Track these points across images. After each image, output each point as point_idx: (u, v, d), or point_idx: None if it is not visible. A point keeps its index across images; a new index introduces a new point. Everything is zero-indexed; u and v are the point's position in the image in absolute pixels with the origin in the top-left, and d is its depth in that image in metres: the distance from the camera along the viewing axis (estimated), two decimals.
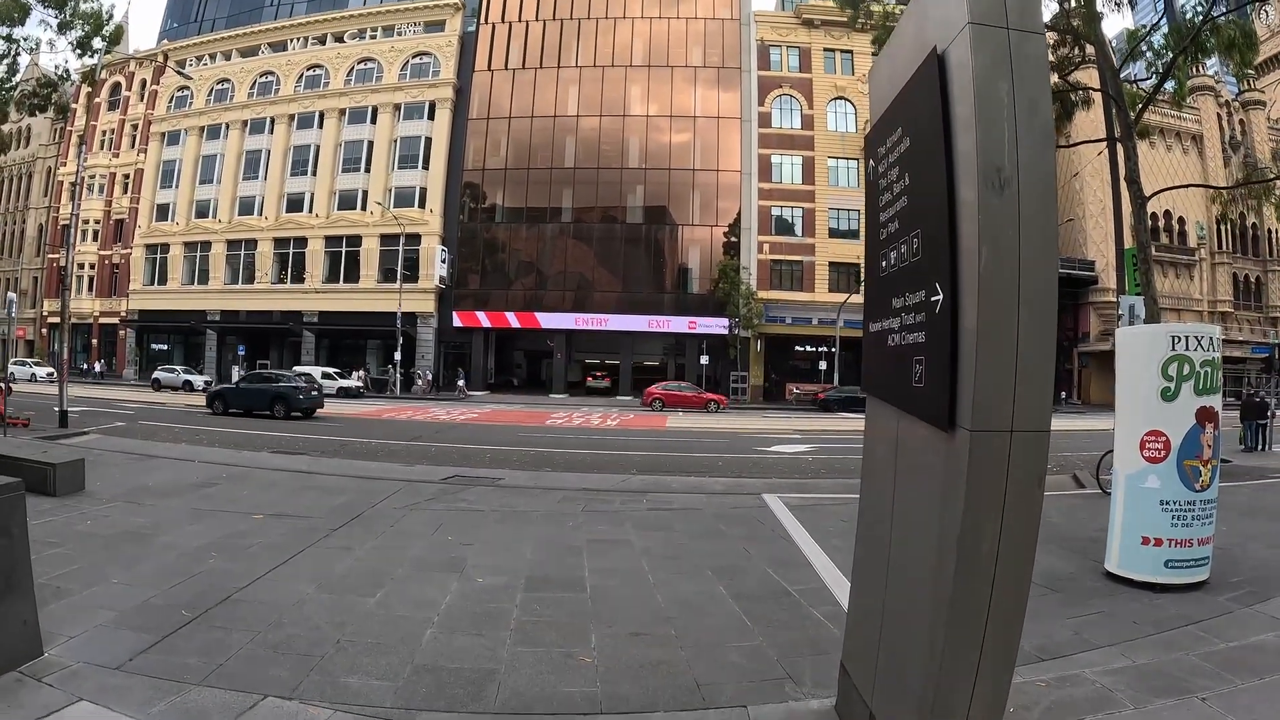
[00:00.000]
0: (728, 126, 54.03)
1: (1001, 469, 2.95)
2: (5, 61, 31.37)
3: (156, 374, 51.59)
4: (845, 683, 4.46)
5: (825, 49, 54.40)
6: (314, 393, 32.05)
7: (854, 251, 49.87)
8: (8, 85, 31.81)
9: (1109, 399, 9.29)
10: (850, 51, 53.29)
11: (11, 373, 45.85)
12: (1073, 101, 21.41)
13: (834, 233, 52.39)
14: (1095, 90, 20.32)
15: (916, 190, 3.52)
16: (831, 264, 51.98)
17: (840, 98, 53.77)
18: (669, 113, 54.73)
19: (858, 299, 45.22)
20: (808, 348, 52.81)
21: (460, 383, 50.63)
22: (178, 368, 53.10)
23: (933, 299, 3.20)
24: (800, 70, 54.41)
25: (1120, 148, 18.96)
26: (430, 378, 53.25)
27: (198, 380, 48.65)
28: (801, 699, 4.88)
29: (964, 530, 2.99)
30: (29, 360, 61.65)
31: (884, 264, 3.95)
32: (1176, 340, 7.47)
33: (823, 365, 49.46)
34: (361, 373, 53.07)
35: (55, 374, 39.76)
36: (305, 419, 29.52)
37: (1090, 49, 20.11)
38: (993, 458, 2.94)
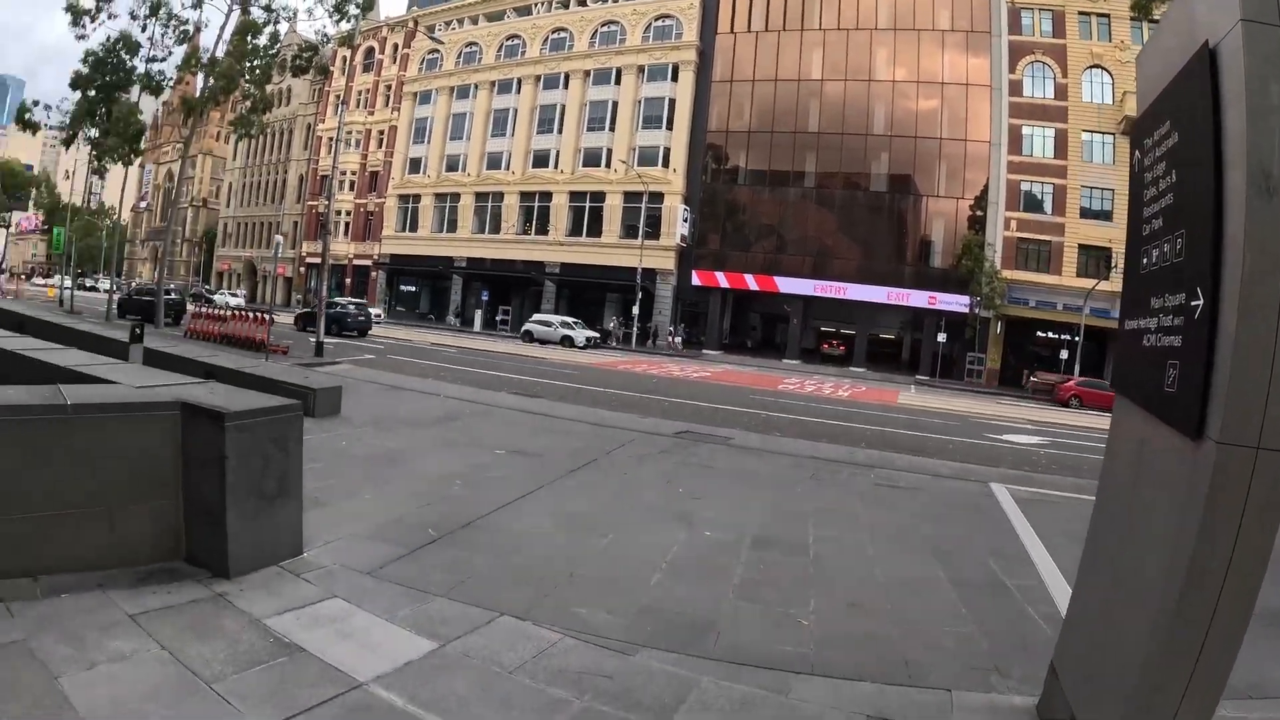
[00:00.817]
0: (976, 94, 51.17)
1: (1243, 486, 2.86)
2: (267, 30, 34.42)
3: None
4: (1052, 684, 4.40)
5: (1080, 12, 49.58)
6: (361, 317, 41.42)
7: (1106, 235, 46.15)
8: (270, 50, 34.88)
9: None
10: (1107, 16, 48.56)
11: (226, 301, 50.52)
12: None
13: (1085, 213, 48.25)
14: None
15: (1182, 189, 3.40)
16: (1081, 246, 47.91)
17: (1096, 66, 49.00)
18: (915, 78, 52.63)
19: (1106, 286, 42.71)
20: (1049, 334, 49.35)
21: (677, 336, 52.06)
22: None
23: (1193, 303, 3.11)
24: (1053, 35, 49.97)
25: None
26: (677, 338, 54.00)
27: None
28: (1005, 693, 4.83)
29: (1197, 544, 2.93)
30: (238, 291, 68.70)
31: (1145, 261, 3.82)
32: None
33: (1064, 354, 46.19)
34: (617, 320, 55.25)
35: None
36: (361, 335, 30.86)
37: None
38: (1236, 473, 2.86)
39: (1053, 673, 4.42)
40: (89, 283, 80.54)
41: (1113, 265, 44.15)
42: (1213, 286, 2.97)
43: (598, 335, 50.86)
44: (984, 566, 7.55)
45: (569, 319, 51.37)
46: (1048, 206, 49.38)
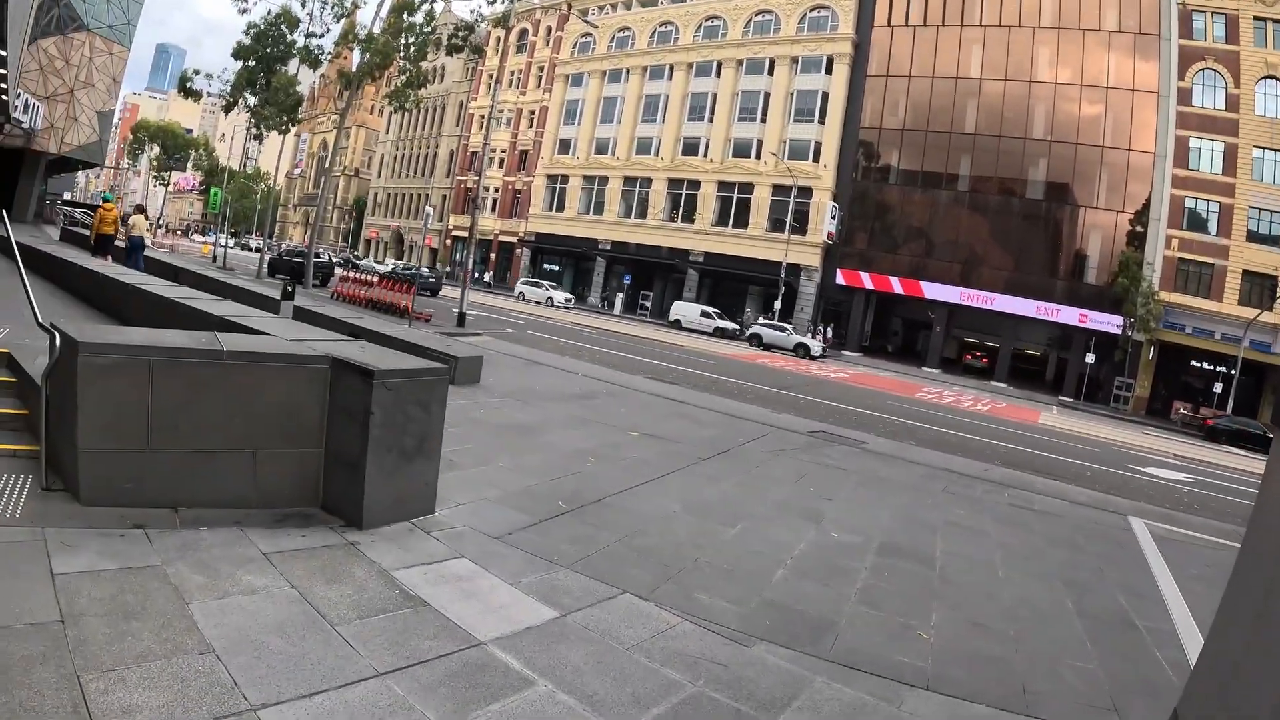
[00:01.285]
0: (1142, 101, 48.08)
1: None
2: (423, 9, 35.77)
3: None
4: None
5: (1256, 17, 45.73)
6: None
7: (1274, 261, 43.44)
8: (425, 29, 36.24)
9: None
10: None
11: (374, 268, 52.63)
12: None
13: (1252, 235, 44.92)
14: None
15: None
16: (1245, 272, 44.75)
17: (1271, 77, 45.22)
18: (1078, 81, 50.04)
19: (1270, 317, 40.36)
20: (1204, 364, 46.63)
21: (828, 334, 52.10)
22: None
23: None
24: (1226, 41, 46.27)
25: None
26: (826, 336, 53.12)
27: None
28: None
29: None
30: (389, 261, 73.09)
31: None
32: None
33: (1218, 387, 43.43)
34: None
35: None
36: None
37: None
38: None
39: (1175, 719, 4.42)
40: (245, 242, 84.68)
41: (1279, 295, 41.75)
42: None
43: (735, 326, 51.35)
44: (1114, 602, 7.43)
45: (707, 308, 52.58)
46: (1212, 226, 46.26)
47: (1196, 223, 46.60)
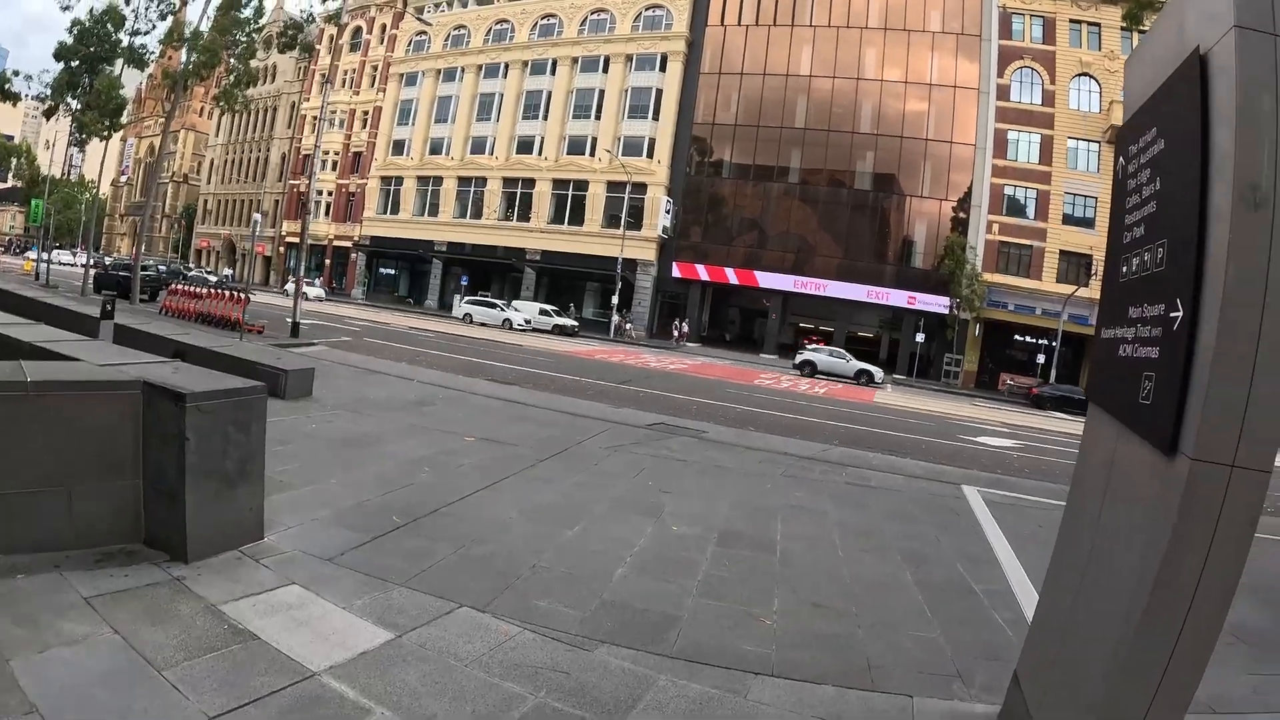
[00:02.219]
0: (964, 97, 51.40)
1: (1216, 504, 2.80)
2: (252, 4, 34.22)
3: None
4: (1014, 694, 4.37)
5: (1071, 20, 50.07)
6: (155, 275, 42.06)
7: (1087, 241, 46.72)
8: (254, 27, 34.72)
9: None
10: (1098, 25, 49.19)
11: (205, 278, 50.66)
12: None
13: (1068, 219, 48.95)
14: None
15: (1167, 197, 3.34)
16: (1062, 252, 48.58)
17: (1085, 74, 49.55)
18: (904, 78, 52.77)
19: (1086, 293, 43.20)
20: (1027, 338, 49.86)
21: (684, 328, 52.50)
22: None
23: (1171, 315, 3.05)
24: (1043, 42, 50.45)
25: None
26: (627, 327, 53.91)
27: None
28: (967, 700, 4.81)
29: (1166, 559, 2.88)
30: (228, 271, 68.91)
31: (1124, 269, 3.77)
32: None
33: (1040, 359, 46.68)
34: (623, 315, 54.90)
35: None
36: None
37: None
38: (1209, 491, 2.80)
39: (1015, 682, 4.39)
40: (66, 257, 79.53)
41: (1093, 272, 44.55)
42: (1194, 298, 2.91)
43: (574, 323, 51.18)
44: (952, 569, 7.54)
45: (546, 306, 52.26)
46: (1030, 211, 49.87)
47: (1015, 208, 50.08)
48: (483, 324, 47.76)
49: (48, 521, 5.15)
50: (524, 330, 47.03)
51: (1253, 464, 2.78)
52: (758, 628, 5.53)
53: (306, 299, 50.98)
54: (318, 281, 61.82)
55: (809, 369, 41.33)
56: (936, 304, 49.71)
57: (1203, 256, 2.91)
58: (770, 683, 4.71)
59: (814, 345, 46.35)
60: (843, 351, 44.17)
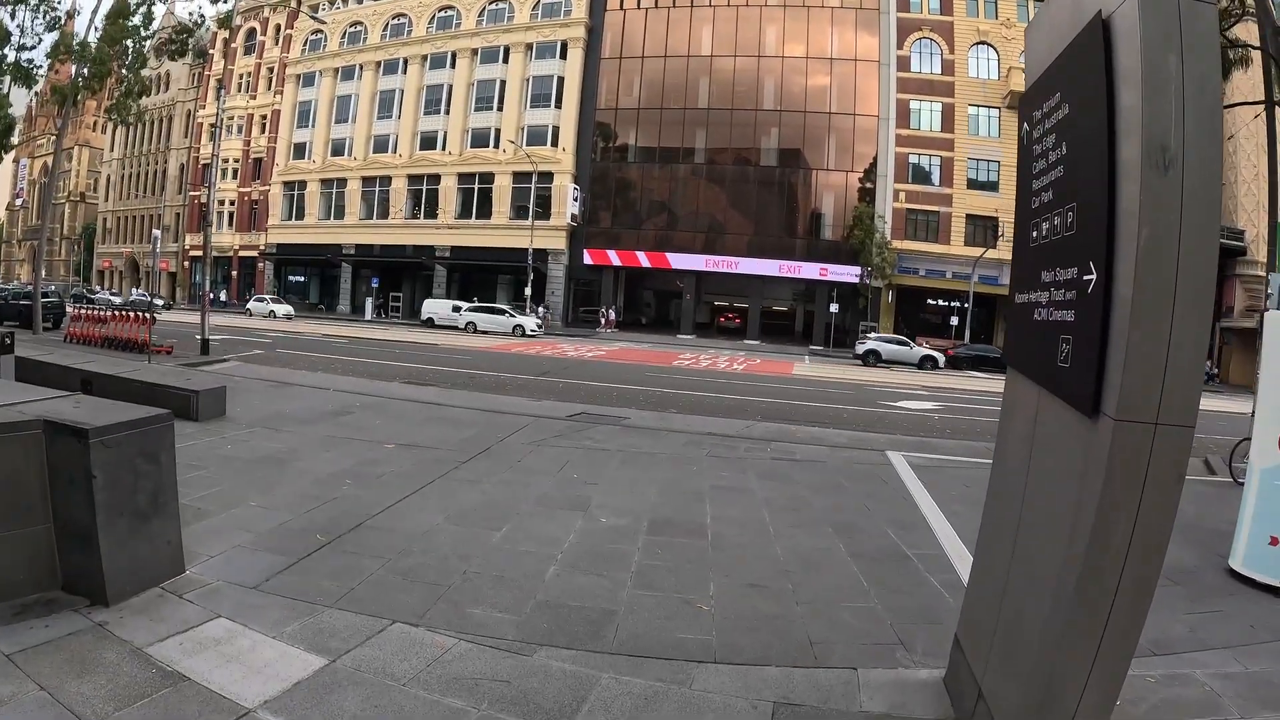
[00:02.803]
0: (865, 69, 52.33)
1: (1142, 462, 2.83)
2: (141, 10, 32.80)
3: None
4: (957, 656, 4.42)
5: None
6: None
7: (992, 204, 48.34)
8: (144, 33, 33.26)
9: (1249, 380, 8.63)
10: None
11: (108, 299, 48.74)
12: (1230, 60, 19.94)
13: (972, 184, 50.33)
14: (1255, 48, 18.95)
15: (1074, 161, 3.35)
16: (969, 216, 49.95)
17: (983, 43, 51.04)
18: (804, 54, 53.35)
19: (994, 254, 44.61)
20: (940, 301, 51.33)
21: (610, 315, 52.94)
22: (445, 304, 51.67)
23: (1085, 278, 3.07)
24: (941, 12, 51.65)
25: (1279, 111, 17.73)
26: (542, 314, 53.49)
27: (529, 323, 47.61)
28: (911, 667, 4.85)
29: (1097, 520, 2.89)
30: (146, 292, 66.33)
31: (1034, 234, 3.80)
32: None
33: (954, 321, 48.01)
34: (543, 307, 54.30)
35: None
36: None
37: (1250, 2, 18.77)
38: (1135, 450, 2.82)
39: (957, 645, 4.44)
40: None
41: (1000, 234, 46.41)
42: (1106, 260, 2.92)
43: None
44: (884, 537, 7.63)
45: (458, 302, 51.54)
46: (936, 178, 51.20)
47: (921, 176, 51.36)
48: (485, 332, 46.07)
49: None
50: (459, 331, 46.11)
51: (1176, 420, 2.81)
52: (696, 615, 5.49)
53: (275, 316, 50.43)
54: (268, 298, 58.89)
55: (874, 359, 40.24)
56: (848, 274, 50.53)
57: (1114, 219, 2.92)
58: (714, 670, 4.67)
59: (875, 335, 44.71)
60: (904, 338, 43.59)
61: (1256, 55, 18.86)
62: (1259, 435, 7.37)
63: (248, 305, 56.74)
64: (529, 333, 44.98)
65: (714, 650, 4.93)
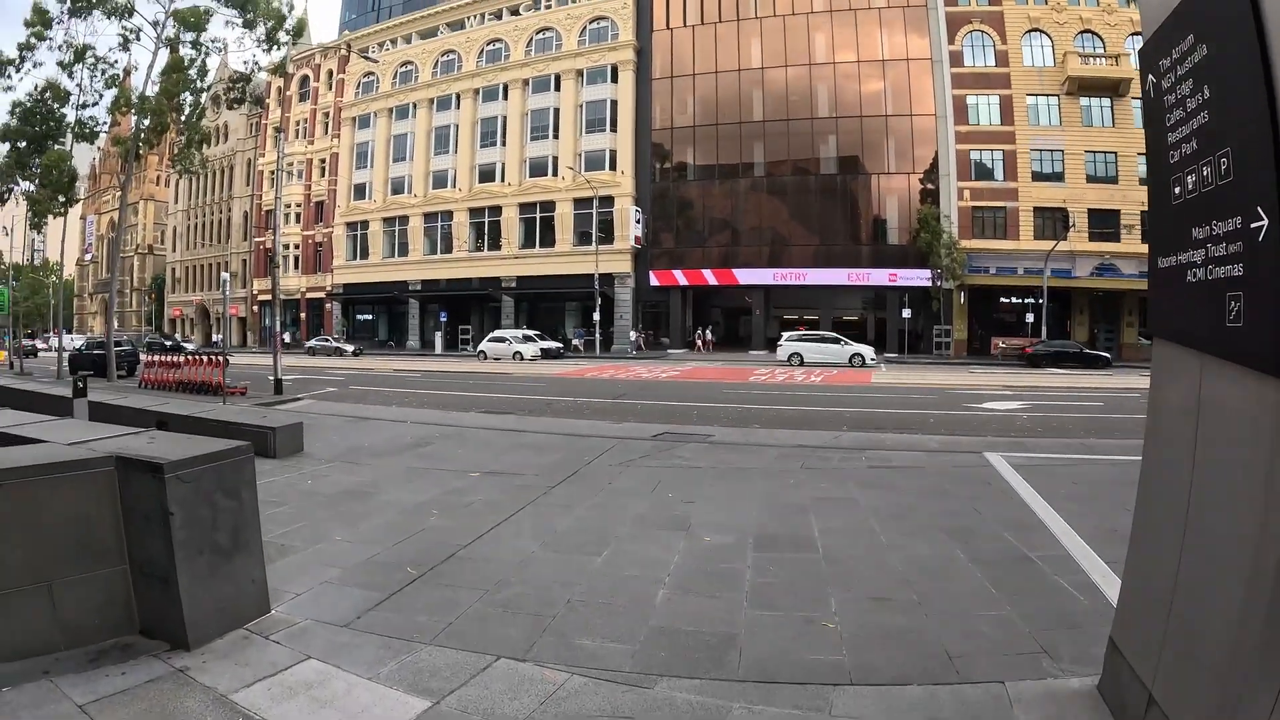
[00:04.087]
0: (918, 68, 51.57)
1: None
2: (196, 65, 33.58)
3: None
4: (1115, 661, 4.03)
5: None
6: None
7: (1060, 195, 47.22)
8: (199, 85, 34.06)
9: None
10: None
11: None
12: None
13: (1037, 175, 48.92)
14: None
15: (1221, 103, 3.02)
16: (1036, 209, 48.56)
17: (1035, 30, 49.69)
18: (856, 58, 52.82)
19: (1065, 246, 43.76)
20: (1013, 299, 49.80)
21: (707, 335, 53.07)
22: (508, 335, 50.79)
23: (1254, 225, 2.73)
24: (990, 3, 50.54)
25: None
26: (636, 337, 53.91)
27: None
28: (1061, 676, 4.47)
29: None
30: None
31: (1177, 190, 3.45)
32: None
33: (1029, 318, 46.54)
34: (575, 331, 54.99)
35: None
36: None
37: None
38: None
39: (1113, 648, 4.07)
40: (38, 344, 78.07)
41: (1070, 225, 45.27)
42: (1279, 203, 2.58)
43: (559, 345, 50.70)
44: (1001, 540, 7.25)
45: (528, 331, 51.37)
46: (999, 173, 49.85)
47: (984, 172, 50.06)
48: (497, 359, 46.47)
49: (29, 623, 4.66)
50: (519, 360, 46.09)
51: None
52: (822, 633, 5.16)
53: (343, 354, 51.62)
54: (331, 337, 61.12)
55: (798, 360, 40.64)
56: (918, 278, 49.53)
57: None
58: (852, 692, 4.33)
59: (797, 332, 45.37)
60: (832, 335, 43.53)
61: None
62: None
63: (308, 345, 58.45)
64: (528, 358, 45.99)
65: (848, 671, 4.58)
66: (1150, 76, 3.73)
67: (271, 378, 24.43)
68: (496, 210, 60.60)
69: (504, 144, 60.85)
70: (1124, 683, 3.88)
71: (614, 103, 57.10)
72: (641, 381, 30.15)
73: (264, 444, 11.31)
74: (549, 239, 58.40)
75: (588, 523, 8.04)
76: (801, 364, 39.54)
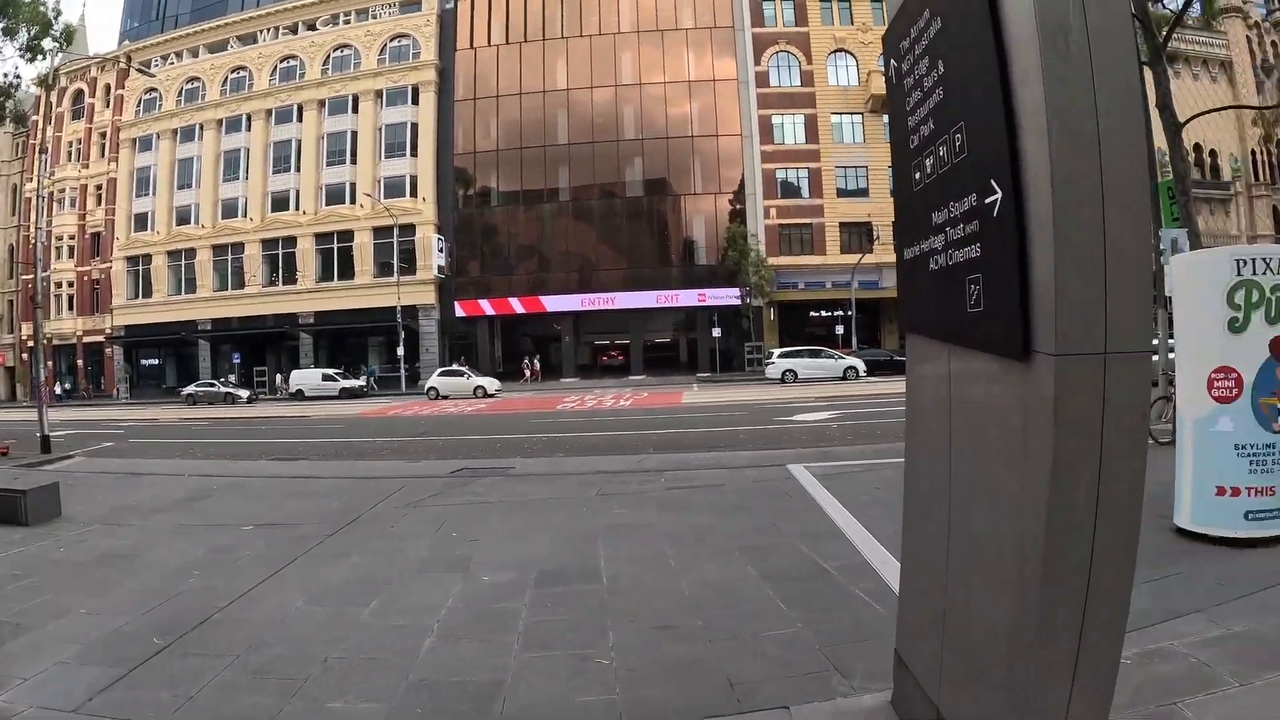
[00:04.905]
0: (724, 89, 52.81)
1: (1096, 400, 2.34)
2: None
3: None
4: (902, 674, 3.88)
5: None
6: None
7: (864, 210, 49.51)
8: None
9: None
10: (849, 0, 52.28)
11: None
12: None
13: (842, 192, 51.19)
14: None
15: (955, 77, 2.87)
16: (842, 224, 50.79)
17: (840, 50, 52.10)
18: (663, 79, 53.59)
19: (872, 258, 45.87)
20: (823, 313, 51.68)
21: (534, 364, 52.11)
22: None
23: (988, 200, 2.57)
24: (796, 24, 52.60)
25: (1150, 73, 18.19)
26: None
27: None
28: (851, 694, 4.29)
29: (1054, 479, 2.38)
30: None
31: (917, 176, 3.30)
32: (1242, 264, 6.63)
33: (839, 330, 48.28)
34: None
35: None
36: None
37: None
38: (1085, 387, 2.33)
39: (899, 661, 3.92)
40: None
41: (875, 238, 47.82)
42: (1012, 174, 2.44)
43: (362, 384, 49.21)
44: (796, 553, 7.16)
45: (328, 370, 49.86)
46: (805, 191, 51.96)
47: (790, 190, 52.16)
48: (446, 396, 42.69)
49: None
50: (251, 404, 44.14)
51: (1128, 346, 2.34)
52: (597, 672, 4.83)
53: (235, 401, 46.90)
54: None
55: (792, 377, 39.16)
56: (728, 296, 50.51)
57: (1014, 124, 2.45)
58: None
59: (790, 348, 43.42)
60: (828, 351, 42.48)
61: None
62: (1184, 385, 7.23)
63: (186, 392, 52.41)
64: (491, 393, 42.68)
65: (619, 713, 4.28)
66: (893, 61, 3.60)
67: (38, 434, 22.34)
68: (292, 241, 57.15)
69: (299, 169, 57.48)
70: (910, 696, 3.73)
71: (415, 125, 55.34)
72: (446, 417, 29.41)
73: (12, 510, 10.19)
74: (348, 271, 55.67)
75: (362, 571, 7.46)
76: (795, 380, 38.83)
